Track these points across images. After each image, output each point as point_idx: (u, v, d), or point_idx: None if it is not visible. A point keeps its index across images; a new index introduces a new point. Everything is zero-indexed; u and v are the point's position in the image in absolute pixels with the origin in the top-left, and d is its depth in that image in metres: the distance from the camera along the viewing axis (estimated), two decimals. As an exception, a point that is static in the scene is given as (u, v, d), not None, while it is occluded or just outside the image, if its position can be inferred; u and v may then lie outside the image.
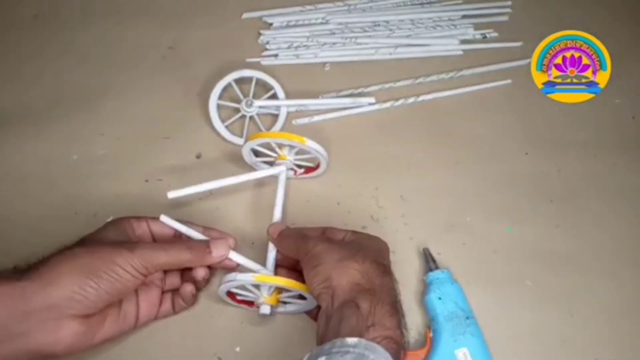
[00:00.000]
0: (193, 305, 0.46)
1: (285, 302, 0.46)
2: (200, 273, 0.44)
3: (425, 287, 0.47)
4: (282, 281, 0.42)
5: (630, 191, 0.55)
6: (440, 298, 0.45)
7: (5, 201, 0.51)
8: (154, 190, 0.52)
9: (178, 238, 0.46)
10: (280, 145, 0.49)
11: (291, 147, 0.49)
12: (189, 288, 0.44)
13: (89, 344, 0.39)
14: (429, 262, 0.48)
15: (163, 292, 0.45)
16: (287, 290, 0.43)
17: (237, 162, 0.53)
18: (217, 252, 0.43)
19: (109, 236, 0.42)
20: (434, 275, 0.47)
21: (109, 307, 0.40)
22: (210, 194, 0.51)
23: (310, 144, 0.47)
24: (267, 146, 0.49)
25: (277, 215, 0.47)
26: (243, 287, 0.43)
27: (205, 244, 0.43)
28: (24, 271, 0.38)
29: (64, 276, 0.38)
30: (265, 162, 0.51)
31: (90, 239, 0.42)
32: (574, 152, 0.57)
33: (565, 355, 0.46)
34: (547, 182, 0.55)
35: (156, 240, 0.45)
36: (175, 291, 0.45)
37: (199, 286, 0.45)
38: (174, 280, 0.46)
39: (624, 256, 0.51)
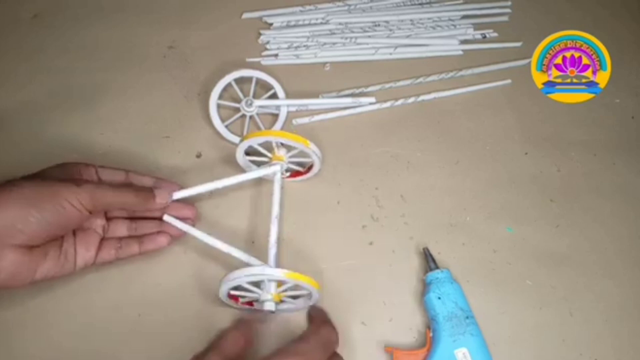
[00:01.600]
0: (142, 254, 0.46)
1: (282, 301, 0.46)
2: (163, 240, 0.45)
3: (424, 287, 0.47)
4: (304, 278, 0.42)
5: (630, 191, 0.55)
6: (439, 298, 0.45)
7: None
8: (154, 189, 0.52)
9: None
10: (278, 146, 0.49)
11: (289, 148, 0.49)
12: (134, 247, 0.45)
13: (30, 277, 0.40)
14: (429, 261, 0.48)
15: (104, 239, 0.45)
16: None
17: (237, 162, 0.53)
18: (160, 199, 0.44)
19: (54, 174, 0.42)
20: (433, 275, 0.47)
21: (50, 243, 0.41)
22: (210, 193, 0.51)
23: (313, 147, 0.48)
24: (265, 145, 0.49)
25: (274, 213, 0.46)
26: (240, 288, 0.43)
27: (150, 190, 0.44)
28: None
29: (6, 204, 0.37)
30: (254, 162, 0.51)
31: (35, 175, 0.42)
32: (574, 152, 0.57)
33: (565, 355, 0.46)
34: (547, 181, 0.55)
35: None
36: (121, 239, 0.46)
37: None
38: (119, 229, 0.46)
39: (624, 256, 0.51)
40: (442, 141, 0.57)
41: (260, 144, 0.48)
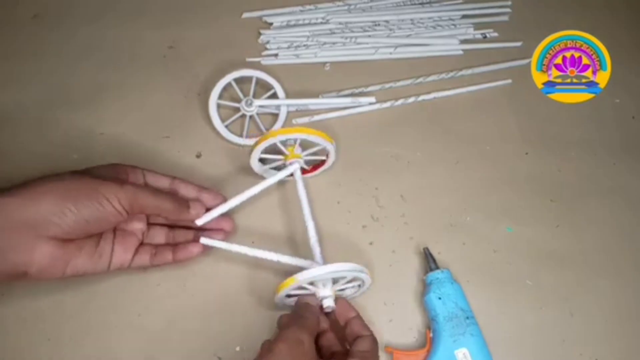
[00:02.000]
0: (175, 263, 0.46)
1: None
2: (194, 250, 0.45)
3: (425, 287, 0.47)
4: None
5: (631, 191, 0.55)
6: (440, 298, 0.45)
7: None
8: (154, 189, 0.52)
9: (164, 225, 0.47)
10: (293, 144, 0.49)
11: (306, 145, 0.49)
12: (168, 255, 0.45)
13: (61, 271, 0.40)
14: (429, 262, 0.48)
15: (142, 244, 0.45)
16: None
17: (237, 161, 0.53)
18: (195, 211, 0.45)
19: (101, 172, 0.43)
20: (433, 275, 0.47)
21: (86, 240, 0.41)
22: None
23: (334, 145, 0.48)
24: (274, 148, 0.48)
25: (306, 211, 0.46)
26: (299, 287, 0.43)
27: (186, 201, 0.45)
28: (6, 190, 0.38)
29: (45, 195, 0.38)
30: (264, 163, 0.51)
31: (82, 171, 0.42)
32: (574, 152, 0.57)
33: (565, 355, 0.46)
34: (547, 181, 0.55)
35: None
36: (157, 246, 0.46)
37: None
38: (157, 236, 0.46)
39: (624, 256, 0.51)
40: (442, 141, 0.57)
41: (282, 142, 0.48)
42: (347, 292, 0.46)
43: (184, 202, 0.45)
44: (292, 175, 0.49)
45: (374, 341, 0.42)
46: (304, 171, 0.52)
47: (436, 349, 0.43)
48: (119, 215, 0.40)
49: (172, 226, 0.48)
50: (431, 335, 0.45)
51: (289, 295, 0.44)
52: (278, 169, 0.51)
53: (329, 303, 0.43)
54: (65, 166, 0.52)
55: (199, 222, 0.46)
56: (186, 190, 0.47)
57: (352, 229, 0.51)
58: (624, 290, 0.49)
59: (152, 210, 0.43)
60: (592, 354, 0.46)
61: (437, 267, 0.48)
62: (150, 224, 0.47)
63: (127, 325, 0.46)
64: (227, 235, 0.48)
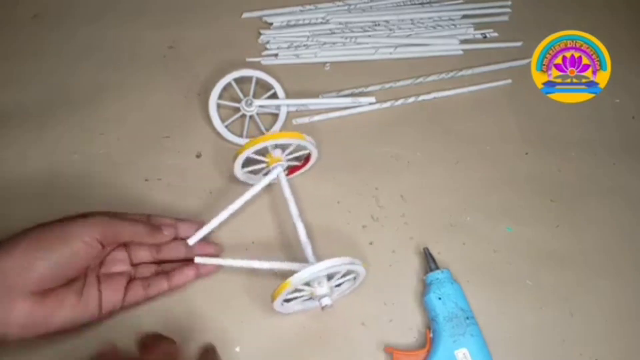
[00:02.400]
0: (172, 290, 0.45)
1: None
2: (190, 273, 0.45)
3: (425, 287, 0.47)
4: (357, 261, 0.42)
5: (631, 191, 0.55)
6: (440, 298, 0.45)
7: (5, 201, 0.51)
8: (154, 189, 0.52)
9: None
10: (273, 148, 0.49)
11: (283, 147, 0.49)
12: (163, 284, 0.44)
13: (44, 328, 0.37)
14: (429, 262, 0.48)
15: (131, 280, 0.44)
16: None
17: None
18: (167, 231, 0.44)
19: (68, 216, 0.41)
20: (433, 275, 0.47)
21: (67, 289, 0.39)
22: (209, 193, 0.51)
23: (308, 139, 0.48)
24: (259, 152, 0.48)
25: (294, 212, 0.46)
26: (296, 290, 0.43)
27: (159, 225, 0.44)
28: None
29: (13, 250, 0.36)
30: (252, 172, 0.51)
31: (49, 222, 0.40)
32: (574, 152, 0.57)
33: (566, 355, 0.46)
34: (548, 181, 0.55)
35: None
36: (148, 277, 0.44)
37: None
38: (146, 270, 0.45)
39: (624, 256, 0.51)
40: (442, 141, 0.57)
41: (255, 152, 0.48)
42: (344, 286, 0.46)
43: (155, 225, 0.44)
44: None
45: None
46: (295, 168, 0.52)
47: (436, 349, 0.43)
48: (91, 250, 0.39)
49: (159, 262, 0.46)
50: (431, 335, 0.45)
51: (287, 300, 0.44)
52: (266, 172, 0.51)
53: (326, 302, 0.43)
54: (65, 166, 0.52)
55: (190, 241, 0.45)
56: (162, 223, 0.46)
57: (352, 229, 0.51)
58: (624, 290, 0.49)
59: (126, 236, 0.41)
60: (592, 354, 0.46)
61: (437, 267, 0.47)
62: (134, 265, 0.45)
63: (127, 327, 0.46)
64: (197, 277, 0.46)
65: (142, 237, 0.43)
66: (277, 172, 0.48)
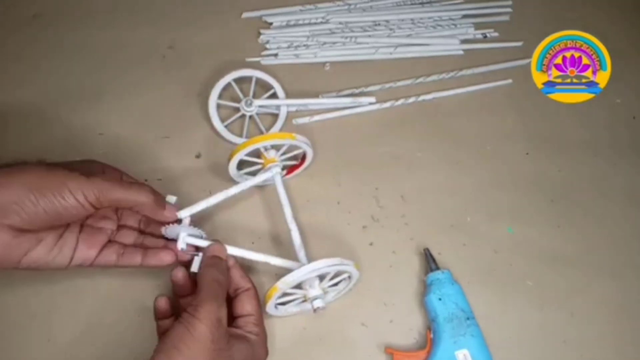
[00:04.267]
0: (146, 268, 0.44)
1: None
2: (166, 258, 0.44)
3: (425, 288, 0.47)
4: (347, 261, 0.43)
5: (631, 191, 0.55)
6: (440, 299, 0.45)
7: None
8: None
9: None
10: (267, 150, 0.49)
11: (277, 147, 0.49)
12: (137, 257, 0.43)
13: (15, 260, 0.38)
14: (430, 262, 0.48)
15: (110, 242, 0.43)
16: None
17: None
18: (169, 212, 0.43)
19: (74, 166, 0.40)
20: (434, 276, 0.47)
21: (48, 232, 0.39)
22: (209, 193, 0.51)
23: (299, 137, 0.47)
24: (254, 154, 0.48)
25: (288, 214, 0.46)
26: (285, 294, 0.43)
27: (164, 200, 0.43)
28: None
29: (9, 184, 0.36)
30: (250, 173, 0.51)
31: (54, 163, 0.41)
32: (575, 152, 0.57)
33: (566, 355, 0.46)
34: (548, 182, 0.55)
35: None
36: (125, 246, 0.44)
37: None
38: (126, 237, 0.45)
39: (625, 256, 0.51)
40: (443, 141, 0.56)
41: (248, 154, 0.48)
42: (341, 286, 0.46)
43: (161, 199, 0.43)
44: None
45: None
46: (292, 168, 0.52)
47: (436, 350, 0.43)
48: (82, 209, 0.38)
49: (142, 231, 0.46)
50: (431, 336, 0.45)
51: (282, 303, 0.44)
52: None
53: (319, 304, 0.43)
54: (65, 166, 0.52)
55: (182, 213, 0.44)
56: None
57: (353, 229, 0.51)
58: (625, 290, 0.49)
59: (125, 203, 0.41)
60: (592, 354, 0.46)
61: (438, 268, 0.47)
62: (120, 226, 0.45)
63: (126, 326, 0.46)
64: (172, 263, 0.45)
65: (143, 207, 0.42)
66: (272, 172, 0.48)
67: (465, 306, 0.45)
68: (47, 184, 0.37)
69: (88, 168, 0.41)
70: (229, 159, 0.47)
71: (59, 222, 0.39)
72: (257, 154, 0.48)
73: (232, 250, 0.44)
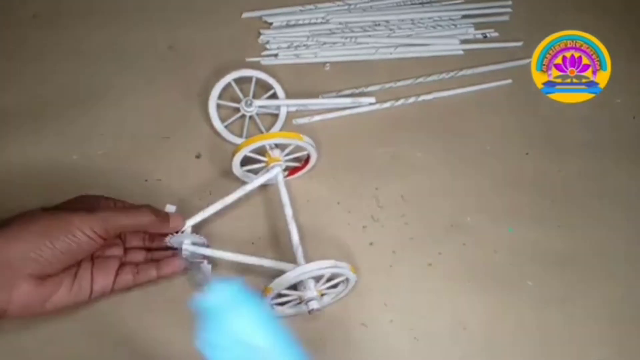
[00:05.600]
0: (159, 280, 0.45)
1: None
2: (180, 263, 0.45)
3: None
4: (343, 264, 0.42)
5: (632, 191, 0.55)
6: (207, 336, 0.31)
7: (5, 201, 0.50)
8: (154, 190, 0.52)
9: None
10: (272, 148, 0.49)
11: (283, 147, 0.49)
12: (152, 272, 0.45)
13: (40, 308, 0.40)
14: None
15: (122, 265, 0.45)
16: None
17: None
18: (174, 223, 0.44)
19: (71, 205, 0.43)
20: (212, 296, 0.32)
21: (65, 273, 0.41)
22: (209, 193, 0.51)
23: (307, 139, 0.48)
24: (258, 151, 0.48)
25: (288, 214, 0.46)
26: (280, 295, 0.43)
27: (167, 214, 0.44)
28: None
29: (21, 234, 0.38)
30: (251, 171, 0.51)
31: (53, 207, 0.43)
32: (575, 152, 0.57)
33: (567, 356, 0.46)
34: (548, 182, 0.55)
35: None
36: (138, 264, 0.45)
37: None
38: (137, 256, 0.46)
39: (625, 256, 0.51)
40: (443, 141, 0.56)
41: (253, 151, 0.48)
42: (339, 289, 0.46)
43: (163, 213, 0.44)
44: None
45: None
46: (294, 170, 0.52)
47: None
48: (94, 243, 0.40)
49: (149, 249, 0.47)
50: None
51: (279, 304, 0.44)
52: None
53: (314, 305, 0.43)
54: (65, 167, 0.52)
55: (190, 222, 0.45)
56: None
57: (352, 229, 0.51)
58: (625, 290, 0.49)
59: (131, 227, 0.43)
60: (593, 355, 0.46)
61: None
62: (127, 249, 0.46)
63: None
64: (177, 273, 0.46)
65: (148, 226, 0.43)
66: (275, 172, 0.48)
67: (255, 337, 0.30)
68: (56, 227, 0.39)
69: (87, 204, 0.43)
70: (234, 154, 0.48)
71: (73, 261, 0.41)
72: (261, 152, 0.48)
73: (224, 255, 0.45)
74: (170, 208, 0.46)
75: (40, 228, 0.39)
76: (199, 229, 0.48)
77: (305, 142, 0.48)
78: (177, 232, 0.45)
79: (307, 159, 0.52)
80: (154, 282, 0.45)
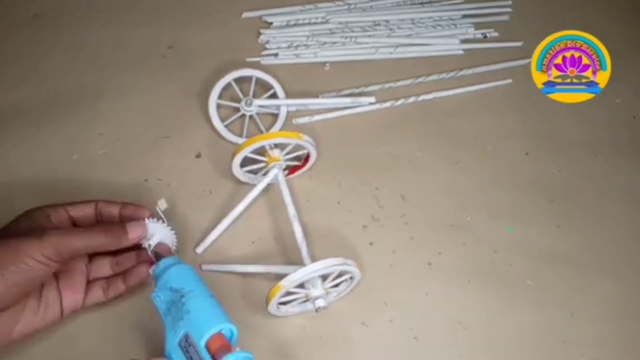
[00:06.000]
0: (133, 290, 0.44)
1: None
2: (143, 270, 0.43)
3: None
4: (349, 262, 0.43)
5: (631, 191, 0.55)
6: (157, 294, 0.39)
7: (5, 201, 0.50)
8: (154, 189, 0.52)
9: (100, 220, 0.44)
10: (272, 148, 0.49)
11: (282, 146, 0.49)
12: (120, 285, 0.43)
13: (6, 339, 0.38)
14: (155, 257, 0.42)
15: (90, 281, 0.43)
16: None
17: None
18: (134, 234, 0.41)
19: (20, 228, 0.40)
20: (156, 270, 0.40)
21: (26, 298, 0.38)
22: (209, 193, 0.51)
23: (306, 138, 0.48)
24: (257, 151, 0.48)
25: (291, 212, 0.47)
26: (288, 293, 0.43)
27: (122, 226, 0.41)
28: None
29: None
30: (251, 172, 0.51)
31: None
32: (575, 152, 0.57)
33: (566, 356, 0.46)
34: (548, 181, 0.55)
35: (78, 226, 0.43)
36: (107, 278, 0.44)
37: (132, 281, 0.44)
38: (103, 269, 0.44)
39: (625, 256, 0.51)
40: (443, 141, 0.56)
41: (253, 151, 0.48)
42: (342, 287, 0.46)
43: (119, 228, 0.41)
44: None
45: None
46: (295, 168, 0.52)
47: (167, 351, 0.37)
48: (48, 268, 0.37)
49: (114, 253, 0.44)
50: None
51: (283, 303, 0.44)
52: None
53: (321, 303, 0.43)
54: (65, 166, 0.52)
55: (199, 249, 0.45)
56: (109, 212, 0.44)
57: (352, 229, 0.51)
58: (625, 290, 0.49)
59: (85, 250, 0.40)
60: (593, 354, 0.46)
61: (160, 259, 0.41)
62: (90, 256, 0.44)
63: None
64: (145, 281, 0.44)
65: (105, 247, 0.41)
66: (275, 172, 0.48)
67: (180, 284, 0.38)
68: (6, 257, 0.36)
69: (35, 223, 0.40)
70: (234, 154, 0.47)
71: (32, 288, 0.38)
72: (260, 152, 0.48)
73: (229, 267, 0.45)
74: (162, 203, 0.44)
75: None
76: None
77: (304, 141, 0.48)
78: (142, 241, 0.42)
79: (307, 158, 0.52)
80: (124, 296, 0.44)
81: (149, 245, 0.42)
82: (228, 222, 0.47)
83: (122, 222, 0.42)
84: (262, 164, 0.50)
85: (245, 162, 0.49)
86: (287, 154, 0.49)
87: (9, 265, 0.36)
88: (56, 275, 0.41)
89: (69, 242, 0.38)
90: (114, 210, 0.44)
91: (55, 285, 0.41)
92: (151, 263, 0.42)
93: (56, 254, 0.37)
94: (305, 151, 0.50)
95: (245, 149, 0.47)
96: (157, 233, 0.43)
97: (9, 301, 0.37)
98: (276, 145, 0.49)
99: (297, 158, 0.52)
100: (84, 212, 0.43)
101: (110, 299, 0.43)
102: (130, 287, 0.43)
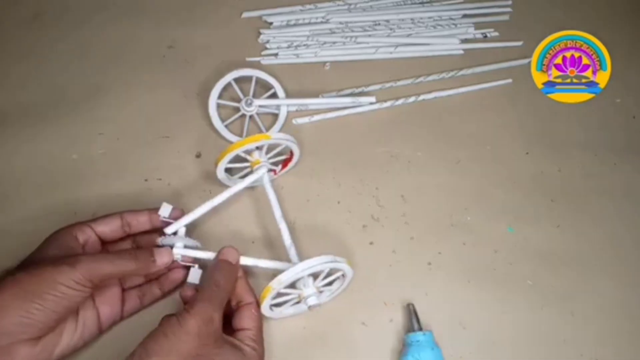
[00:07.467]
0: (165, 296, 0.46)
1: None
2: (178, 276, 0.45)
3: (403, 347, 0.45)
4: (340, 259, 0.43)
5: (632, 191, 0.55)
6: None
7: (5, 201, 0.51)
8: (154, 189, 0.52)
9: (128, 233, 0.45)
10: (250, 152, 0.48)
11: (259, 148, 0.48)
12: (156, 291, 0.45)
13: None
14: (413, 320, 0.45)
15: (125, 290, 0.45)
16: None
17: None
18: (161, 260, 0.43)
19: (49, 253, 0.41)
20: (414, 336, 0.44)
21: (64, 322, 0.40)
22: (209, 193, 0.51)
23: (276, 135, 0.47)
24: (238, 159, 0.48)
25: (277, 213, 0.46)
26: (279, 294, 0.43)
27: (150, 252, 0.42)
28: None
29: (9, 302, 0.37)
30: (241, 176, 0.51)
31: (31, 260, 0.41)
32: (575, 152, 0.57)
33: (567, 356, 0.46)
34: (548, 181, 0.55)
35: (105, 242, 0.44)
36: (139, 286, 0.45)
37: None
38: (136, 277, 0.46)
39: (624, 256, 0.51)
40: (443, 141, 0.56)
41: (230, 161, 0.47)
42: (335, 286, 0.46)
43: (146, 255, 0.42)
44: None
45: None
46: (285, 162, 0.52)
47: None
48: (82, 293, 0.39)
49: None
50: None
51: (277, 305, 0.44)
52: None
53: (313, 301, 0.43)
54: (65, 166, 0.52)
55: (168, 230, 0.44)
56: (137, 221, 0.45)
57: (353, 229, 0.51)
58: (625, 290, 0.49)
59: (115, 275, 0.41)
60: (593, 354, 0.46)
61: (421, 328, 0.45)
62: None
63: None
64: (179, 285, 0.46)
65: (134, 273, 0.43)
66: (260, 174, 0.48)
67: None
68: (40, 287, 0.37)
69: (64, 245, 0.42)
70: (216, 165, 0.47)
71: (67, 312, 0.39)
72: (242, 158, 0.48)
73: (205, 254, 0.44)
74: (166, 207, 0.45)
75: (27, 292, 0.37)
76: (192, 232, 0.48)
77: (275, 139, 0.47)
78: (169, 266, 0.43)
79: (291, 152, 0.51)
80: (161, 299, 0.46)
81: (180, 256, 0.44)
82: (204, 210, 0.46)
83: (150, 249, 0.43)
84: (247, 170, 0.50)
85: (231, 170, 0.49)
86: (267, 153, 0.49)
87: (45, 295, 0.37)
88: (92, 294, 0.42)
89: (101, 269, 0.40)
90: (142, 219, 0.45)
91: (92, 304, 0.42)
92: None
93: (88, 281, 0.39)
94: (283, 147, 0.50)
95: (222, 162, 0.47)
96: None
97: (48, 328, 0.38)
98: (257, 148, 0.48)
99: (282, 153, 0.51)
100: (109, 226, 0.44)
101: (147, 305, 0.45)
102: (166, 290, 0.45)
